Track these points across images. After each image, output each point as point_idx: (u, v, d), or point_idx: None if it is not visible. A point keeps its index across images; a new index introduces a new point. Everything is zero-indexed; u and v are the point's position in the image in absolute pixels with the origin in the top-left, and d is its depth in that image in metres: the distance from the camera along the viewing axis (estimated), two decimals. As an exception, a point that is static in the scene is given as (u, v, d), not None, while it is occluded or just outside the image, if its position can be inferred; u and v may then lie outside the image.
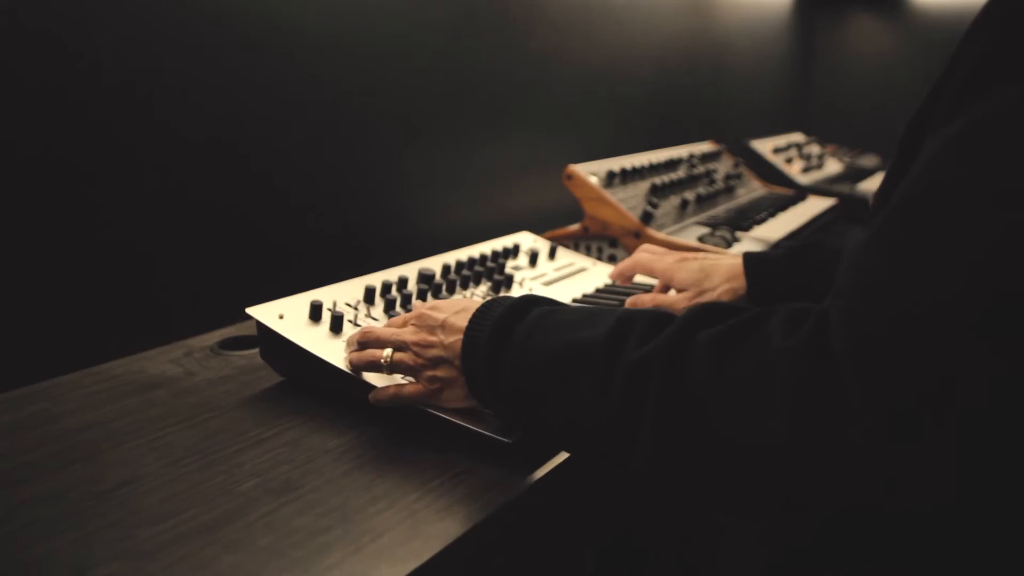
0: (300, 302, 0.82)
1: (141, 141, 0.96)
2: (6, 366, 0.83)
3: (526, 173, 1.65)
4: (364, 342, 0.73)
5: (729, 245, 1.23)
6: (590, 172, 1.32)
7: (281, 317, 0.79)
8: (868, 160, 2.63)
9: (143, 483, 0.61)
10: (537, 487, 0.64)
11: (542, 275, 1.07)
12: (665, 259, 0.93)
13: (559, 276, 1.08)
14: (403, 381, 0.71)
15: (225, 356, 0.90)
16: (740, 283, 0.89)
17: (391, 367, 0.70)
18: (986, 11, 0.47)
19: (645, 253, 0.97)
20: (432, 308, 0.71)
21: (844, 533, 0.51)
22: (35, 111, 0.85)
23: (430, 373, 0.68)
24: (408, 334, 0.70)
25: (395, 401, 0.70)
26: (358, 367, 0.73)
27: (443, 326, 0.68)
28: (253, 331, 0.97)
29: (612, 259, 1.27)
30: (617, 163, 1.40)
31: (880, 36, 3.41)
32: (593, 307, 0.65)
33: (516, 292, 1.00)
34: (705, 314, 0.53)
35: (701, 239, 1.25)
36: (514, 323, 0.63)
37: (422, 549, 0.54)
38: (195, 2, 0.98)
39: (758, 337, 0.48)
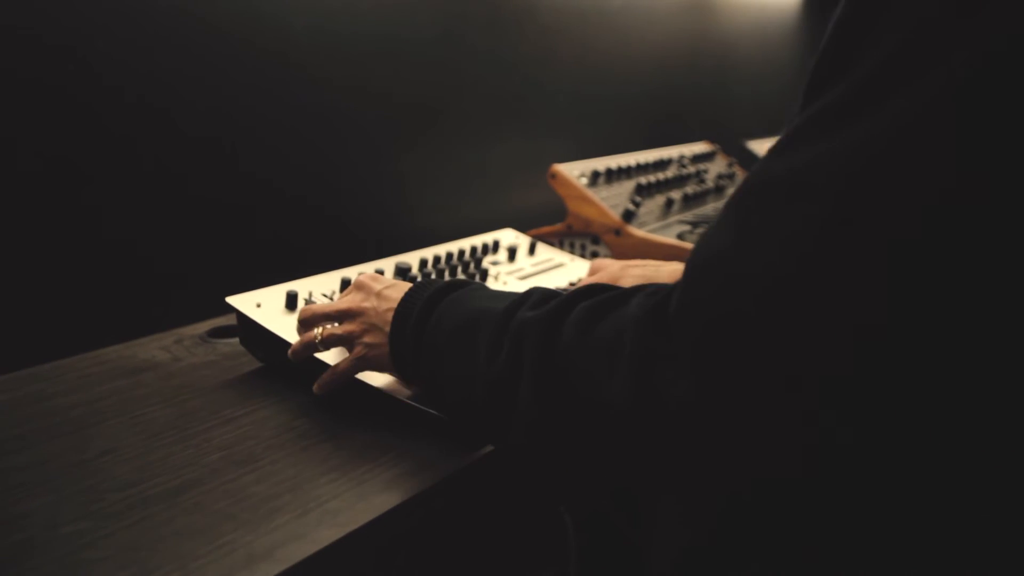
0: (278, 292, 0.88)
1: (136, 136, 1.02)
2: (7, 350, 0.90)
3: (517, 172, 1.69)
4: (303, 320, 0.77)
5: (707, 242, 1.26)
6: (574, 171, 1.36)
7: (259, 306, 0.85)
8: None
9: (120, 454, 0.67)
10: (493, 458, 0.69)
11: (519, 270, 1.12)
12: (610, 269, 0.96)
13: (535, 271, 1.13)
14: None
15: (212, 344, 0.96)
16: None
17: (324, 343, 0.75)
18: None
19: (594, 263, 1.01)
20: (373, 279, 0.76)
21: (743, 531, 0.52)
22: (28, 107, 0.91)
23: (361, 340, 0.73)
24: (343, 302, 0.75)
25: (335, 381, 0.75)
26: (298, 355, 0.77)
27: (379, 295, 0.73)
28: None
29: (594, 255, 1.31)
30: (603, 163, 1.44)
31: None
32: (505, 291, 0.68)
33: (490, 284, 1.05)
34: (589, 289, 0.58)
35: (680, 236, 1.29)
36: (440, 299, 0.68)
37: (363, 513, 0.59)
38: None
39: (620, 307, 0.52)
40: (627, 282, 0.93)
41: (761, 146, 2.09)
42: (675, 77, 2.22)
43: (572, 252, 1.34)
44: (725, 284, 0.44)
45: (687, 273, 0.47)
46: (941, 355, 0.40)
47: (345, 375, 0.75)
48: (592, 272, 0.99)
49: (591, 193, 1.32)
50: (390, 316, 0.71)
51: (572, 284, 1.10)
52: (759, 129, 2.62)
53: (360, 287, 0.76)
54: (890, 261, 0.40)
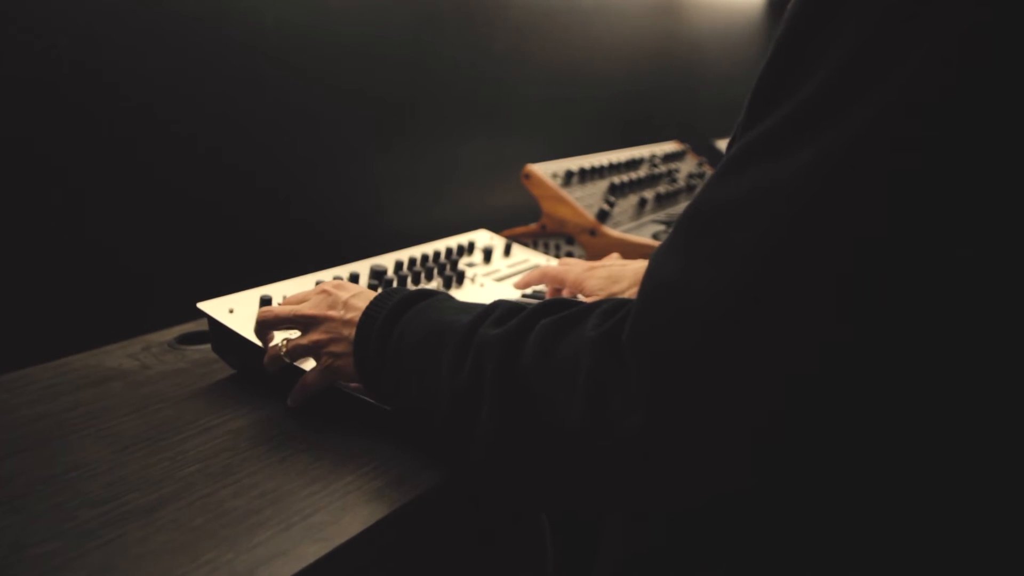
0: (250, 297, 0.85)
1: (103, 135, 0.98)
2: (-35, 360, 0.86)
3: (491, 172, 1.68)
4: (263, 321, 0.75)
5: (681, 242, 1.27)
6: (548, 171, 1.35)
7: (231, 312, 0.82)
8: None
9: (89, 468, 0.64)
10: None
11: (495, 271, 1.11)
12: (574, 269, 0.95)
13: (511, 272, 1.12)
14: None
15: (181, 350, 0.93)
16: None
17: (290, 355, 0.74)
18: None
19: (558, 265, 1.00)
20: (337, 287, 0.75)
21: (698, 531, 0.54)
22: (-7, 113, 0.88)
23: (326, 350, 0.71)
24: (306, 308, 0.73)
25: (307, 393, 0.74)
26: (269, 369, 0.75)
27: (345, 304, 0.71)
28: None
29: (569, 255, 1.31)
30: (576, 163, 1.43)
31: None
32: (470, 304, 0.68)
33: (468, 288, 1.04)
34: (550, 305, 0.58)
35: (655, 236, 1.29)
36: (408, 308, 0.67)
37: (349, 527, 0.57)
38: None
39: (578, 327, 0.52)
40: (592, 283, 0.92)
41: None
42: (644, 77, 2.23)
43: (547, 252, 1.33)
44: (674, 318, 0.44)
45: (639, 301, 0.47)
46: (898, 379, 0.41)
47: (315, 387, 0.74)
48: (546, 272, 0.98)
49: (565, 193, 1.31)
50: (355, 326, 0.69)
51: (524, 295, 1.07)
52: (726, 129, 2.64)
53: (324, 293, 0.74)
54: (839, 288, 0.40)
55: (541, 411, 0.51)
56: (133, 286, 1.05)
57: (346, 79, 1.29)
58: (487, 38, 1.58)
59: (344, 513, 0.59)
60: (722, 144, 2.09)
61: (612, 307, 0.53)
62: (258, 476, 0.64)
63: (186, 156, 1.08)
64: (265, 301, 0.83)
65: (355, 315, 0.70)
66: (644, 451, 0.46)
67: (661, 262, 0.47)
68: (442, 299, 0.68)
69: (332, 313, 0.72)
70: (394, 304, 0.68)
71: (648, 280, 0.47)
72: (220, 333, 0.82)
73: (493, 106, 1.63)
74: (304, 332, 0.73)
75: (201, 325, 1.02)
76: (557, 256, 1.31)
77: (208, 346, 0.94)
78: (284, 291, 0.89)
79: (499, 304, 0.62)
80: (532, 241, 1.34)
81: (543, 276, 0.99)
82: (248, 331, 0.80)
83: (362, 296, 0.72)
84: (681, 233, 0.46)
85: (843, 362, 0.40)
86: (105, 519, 0.57)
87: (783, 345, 0.41)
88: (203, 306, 0.82)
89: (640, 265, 0.92)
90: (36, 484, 0.62)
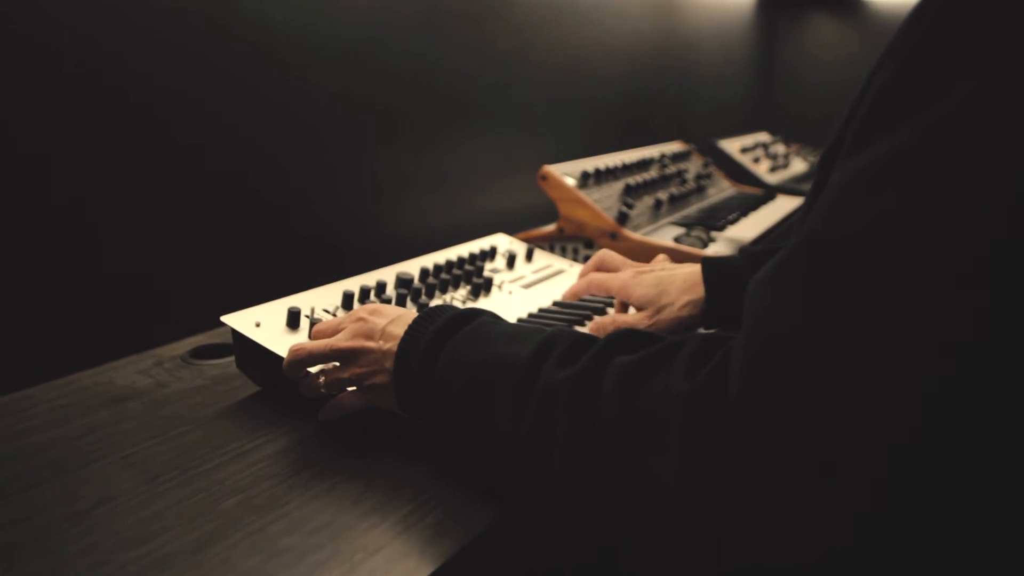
0: (277, 309, 0.79)
1: (105, 144, 0.92)
2: (-36, 380, 0.79)
3: (496, 174, 1.63)
4: (296, 360, 0.69)
5: (705, 245, 1.23)
6: (564, 173, 1.31)
7: (258, 325, 0.76)
8: (830, 159, 2.67)
9: (118, 503, 0.58)
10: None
11: (520, 278, 1.06)
12: (620, 276, 0.88)
13: (537, 279, 1.07)
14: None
15: (197, 366, 0.87)
16: (697, 294, 0.84)
17: (329, 388, 0.68)
18: (900, 39, 0.44)
19: (598, 272, 0.93)
20: (372, 312, 0.69)
21: None
22: (-8, 111, 0.81)
23: (369, 382, 0.66)
24: (343, 340, 0.67)
25: (340, 412, 0.69)
26: (309, 396, 0.70)
27: (383, 333, 0.66)
28: (224, 339, 0.94)
29: (588, 260, 1.26)
30: (591, 163, 1.39)
31: (838, 37, 3.46)
32: (530, 325, 0.63)
33: (495, 295, 0.99)
34: (622, 339, 0.53)
35: (677, 240, 1.25)
36: (453, 333, 0.61)
37: (419, 567, 0.52)
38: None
39: (663, 372, 0.47)
40: (639, 292, 0.85)
41: (731, 145, 2.08)
42: (643, 76, 2.19)
43: (563, 255, 1.28)
44: (797, 371, 0.39)
45: (750, 353, 0.42)
46: None
47: (351, 410, 0.69)
48: (592, 281, 0.91)
49: (584, 196, 1.26)
50: (394, 353, 0.64)
51: (556, 303, 1.01)
52: (722, 128, 2.62)
53: (360, 321, 0.68)
54: (993, 326, 0.35)
55: (623, 464, 0.47)
56: (139, 297, 0.98)
57: (352, 84, 1.23)
58: (491, 37, 1.53)
59: (409, 551, 0.54)
60: (727, 144, 2.06)
61: (701, 349, 0.48)
62: (309, 508, 0.58)
63: (188, 163, 1.02)
64: (293, 313, 0.77)
65: (394, 345, 0.64)
66: (754, 516, 0.41)
67: (770, 303, 0.42)
68: (488, 322, 0.63)
69: (370, 344, 0.66)
70: (436, 330, 0.62)
71: (757, 325, 0.42)
72: (246, 348, 0.76)
73: (496, 106, 1.59)
74: (343, 364, 0.68)
75: (212, 337, 0.96)
76: (576, 260, 1.26)
77: (226, 360, 0.88)
78: (310, 301, 0.83)
79: (559, 335, 0.57)
80: (549, 244, 1.29)
81: (588, 286, 0.92)
82: (278, 345, 0.74)
83: (400, 321, 0.67)
84: (794, 269, 0.42)
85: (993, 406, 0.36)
86: (146, 562, 0.51)
87: (938, 395, 0.36)
88: (228, 319, 0.76)
89: (689, 271, 0.86)
90: (60, 522, 0.56)
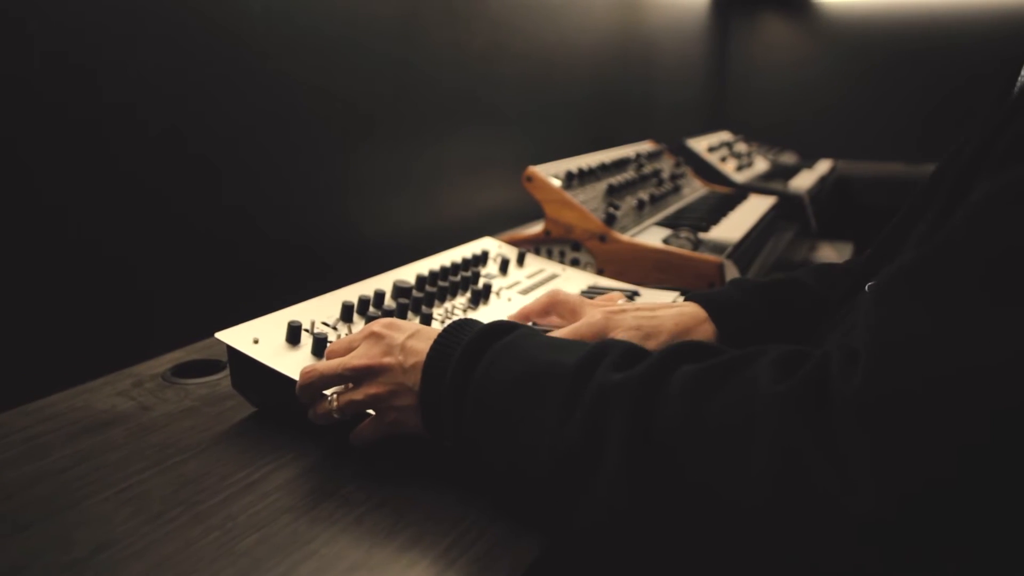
0: (274, 323, 0.74)
1: (75, 147, 0.84)
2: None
3: (472, 175, 1.59)
4: (308, 384, 0.63)
5: (695, 247, 1.21)
6: (549, 173, 1.27)
7: (256, 342, 0.71)
8: (788, 158, 2.71)
9: (121, 547, 0.52)
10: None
11: (516, 283, 1.02)
12: (590, 319, 0.73)
13: (532, 284, 1.03)
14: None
15: (181, 385, 0.80)
16: (701, 334, 0.75)
17: (342, 412, 0.63)
18: None
19: (559, 295, 0.79)
20: (389, 327, 0.64)
21: None
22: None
23: (389, 404, 0.61)
24: (357, 359, 0.62)
25: (362, 443, 0.64)
26: (320, 423, 0.65)
27: (403, 348, 0.61)
28: (206, 354, 0.88)
29: (575, 263, 1.23)
30: (573, 164, 1.36)
31: (789, 37, 3.52)
32: (566, 339, 0.60)
33: (494, 302, 0.95)
34: (687, 349, 0.50)
35: (666, 241, 1.23)
36: (485, 346, 0.57)
37: (471, 607, 0.48)
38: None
39: (742, 378, 0.45)
40: (621, 335, 0.73)
41: (698, 144, 2.08)
42: (610, 74, 2.18)
43: (549, 258, 1.25)
44: (932, 379, 0.37)
45: (873, 353, 0.40)
46: None
47: (372, 439, 0.64)
48: (546, 313, 0.79)
49: (571, 197, 1.23)
50: (419, 372, 0.59)
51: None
52: (681, 128, 2.63)
53: (375, 337, 0.63)
54: None
55: (695, 477, 0.43)
56: (112, 313, 0.91)
57: (329, 86, 1.17)
58: (467, 34, 1.49)
59: (459, 588, 0.49)
60: (693, 143, 2.05)
61: (784, 358, 0.45)
62: (338, 544, 0.53)
63: (160, 161, 0.95)
64: (294, 328, 0.72)
65: (417, 360, 0.60)
66: (864, 525, 0.39)
67: (903, 309, 0.40)
68: (528, 334, 0.59)
69: (388, 360, 0.61)
70: (470, 340, 0.58)
71: (883, 329, 0.40)
72: (244, 367, 0.70)
73: (471, 106, 1.54)
74: (358, 384, 0.62)
75: (192, 353, 0.90)
76: (562, 263, 1.23)
77: (212, 379, 0.82)
78: (307, 314, 0.77)
79: (611, 344, 0.54)
80: (534, 247, 1.26)
81: (551, 306, 0.79)
82: (280, 363, 0.68)
83: (421, 336, 0.62)
84: (928, 278, 0.40)
85: None
86: (166, 616, 0.46)
87: None
88: (224, 336, 0.70)
89: (676, 313, 0.76)
90: (60, 571, 0.50)
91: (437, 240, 1.47)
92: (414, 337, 0.62)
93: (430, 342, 0.61)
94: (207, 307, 1.00)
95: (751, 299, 0.79)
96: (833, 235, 2.41)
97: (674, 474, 0.44)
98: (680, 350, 0.50)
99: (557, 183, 1.25)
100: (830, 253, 2.32)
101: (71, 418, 0.72)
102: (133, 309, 0.93)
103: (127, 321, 0.92)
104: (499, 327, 0.59)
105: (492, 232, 1.64)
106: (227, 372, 0.83)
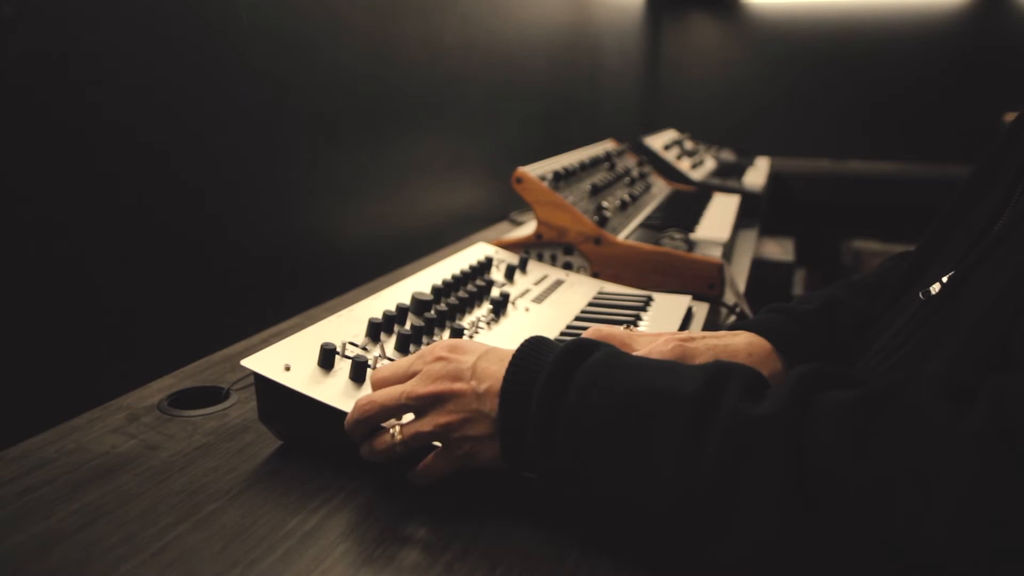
0: (301, 346, 0.66)
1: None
2: None
3: (442, 175, 1.53)
4: (365, 417, 0.57)
5: (690, 248, 1.18)
6: (537, 174, 1.22)
7: (288, 368, 0.63)
8: (727, 155, 2.74)
9: (183, 624, 0.44)
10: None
11: (526, 291, 0.96)
12: (663, 350, 0.67)
13: (542, 291, 0.98)
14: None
15: (184, 418, 0.71)
16: (770, 368, 0.71)
17: (405, 445, 0.56)
18: None
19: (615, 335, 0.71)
20: (453, 349, 0.58)
21: None
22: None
23: (459, 434, 0.55)
24: (422, 384, 0.56)
25: (428, 480, 0.57)
26: (377, 460, 0.58)
27: (474, 372, 0.55)
28: (199, 380, 0.80)
29: (568, 267, 1.18)
30: (557, 163, 1.31)
31: (717, 38, 3.58)
32: (663, 360, 0.57)
33: (511, 312, 0.89)
34: (822, 376, 0.47)
35: (659, 243, 1.20)
36: (574, 367, 0.52)
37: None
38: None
39: (909, 415, 0.42)
40: (701, 359, 0.67)
41: (655, 142, 2.07)
42: (563, 72, 2.14)
43: (541, 262, 1.20)
44: None
45: None
46: None
47: (440, 476, 0.57)
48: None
49: (562, 198, 1.18)
50: (496, 396, 0.53)
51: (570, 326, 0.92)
52: (625, 126, 2.63)
53: (441, 361, 0.57)
54: None
55: (867, 520, 0.41)
56: (86, 337, 0.80)
57: (295, 91, 1.09)
58: (438, 29, 1.42)
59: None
60: (650, 140, 2.04)
61: (945, 390, 0.42)
62: (439, 602, 0.47)
63: (147, 175, 0.85)
64: (327, 351, 0.64)
65: (492, 384, 0.54)
66: None
67: None
68: (615, 352, 0.54)
69: (459, 386, 0.55)
70: (557, 359, 0.53)
71: None
72: (276, 397, 0.62)
73: (438, 105, 1.48)
74: (422, 414, 0.56)
75: (183, 379, 0.81)
76: (553, 266, 1.18)
77: (216, 409, 0.73)
78: (328, 334, 0.69)
79: (722, 367, 0.49)
80: (525, 250, 1.20)
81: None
82: (321, 392, 0.61)
83: (491, 357, 0.56)
84: None
85: None
86: None
87: None
88: (252, 364, 0.62)
89: (746, 343, 0.71)
90: (114, 662, 0.41)
91: (414, 244, 1.40)
92: (484, 358, 0.56)
93: (504, 363, 0.55)
94: (190, 327, 0.90)
95: (810, 325, 0.75)
96: (775, 231, 2.46)
97: (841, 513, 0.41)
98: (813, 376, 0.47)
99: (547, 185, 1.20)
100: (774, 249, 2.35)
101: (66, 464, 0.62)
102: (109, 332, 0.82)
103: (104, 346, 0.81)
104: (582, 346, 0.54)
105: (462, 236, 1.58)
106: (233, 400, 0.75)
